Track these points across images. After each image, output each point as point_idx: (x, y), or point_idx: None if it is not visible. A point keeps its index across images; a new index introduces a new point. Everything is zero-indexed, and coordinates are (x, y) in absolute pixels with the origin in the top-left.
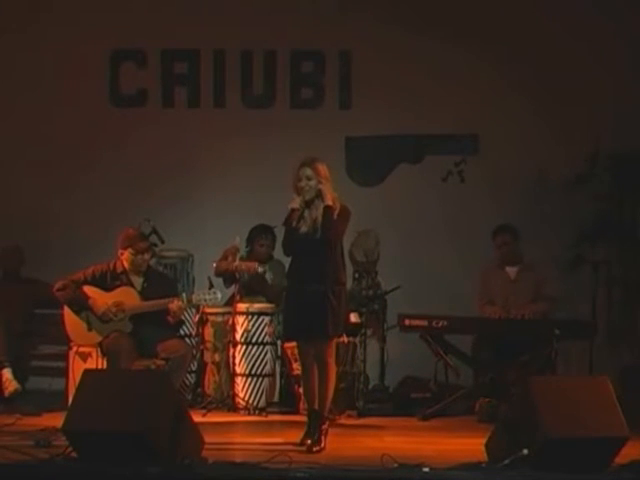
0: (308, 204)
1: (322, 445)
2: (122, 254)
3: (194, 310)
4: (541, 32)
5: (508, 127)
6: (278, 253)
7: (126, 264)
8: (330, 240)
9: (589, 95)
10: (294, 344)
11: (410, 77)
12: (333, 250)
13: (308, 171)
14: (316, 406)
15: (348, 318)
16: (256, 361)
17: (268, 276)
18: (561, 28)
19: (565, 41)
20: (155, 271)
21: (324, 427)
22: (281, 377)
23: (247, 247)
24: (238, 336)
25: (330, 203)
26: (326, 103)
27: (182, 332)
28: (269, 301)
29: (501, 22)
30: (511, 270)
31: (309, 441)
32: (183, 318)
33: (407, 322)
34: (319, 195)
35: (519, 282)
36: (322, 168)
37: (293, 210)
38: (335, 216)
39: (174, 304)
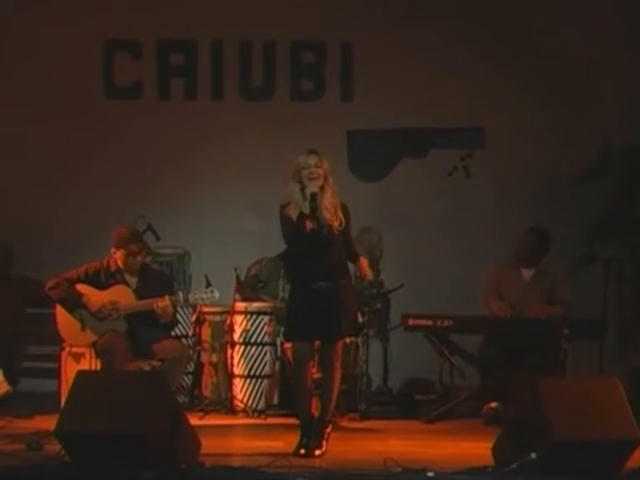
0: (312, 194)
1: (324, 449)
2: (115, 253)
3: (191, 309)
4: (548, 23)
5: (515, 120)
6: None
7: (120, 263)
8: (347, 240)
9: (599, 88)
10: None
11: (413, 69)
12: (340, 244)
13: (316, 159)
14: (312, 411)
15: (357, 316)
16: (255, 362)
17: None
18: (569, 21)
19: (573, 32)
20: (150, 268)
21: (327, 430)
22: (281, 378)
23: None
24: (236, 336)
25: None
26: (327, 95)
27: (178, 332)
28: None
29: (507, 13)
30: (526, 272)
31: (303, 451)
32: (178, 317)
33: (411, 322)
34: (326, 185)
35: (533, 285)
36: (326, 159)
37: (314, 194)
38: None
39: (158, 305)
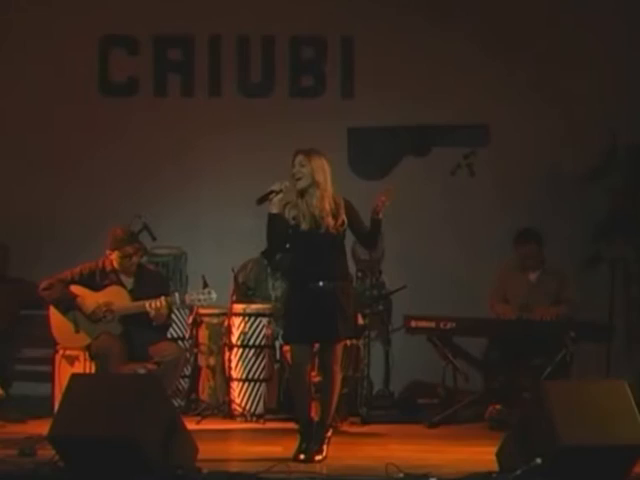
0: (302, 194)
1: (324, 454)
2: (110, 254)
3: (187, 311)
4: (554, 20)
5: (520, 117)
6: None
7: (115, 264)
8: (361, 229)
9: (604, 86)
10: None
11: (416, 64)
12: (341, 245)
13: (301, 158)
14: (312, 415)
15: (357, 318)
16: (253, 365)
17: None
18: (575, 17)
19: (579, 29)
20: (146, 269)
21: (327, 435)
22: (280, 382)
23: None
24: (234, 338)
25: (326, 193)
26: (327, 92)
27: (175, 334)
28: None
29: (511, 10)
30: (532, 274)
31: (302, 456)
32: (175, 319)
33: (413, 324)
34: (314, 185)
35: (539, 286)
36: (318, 158)
37: (272, 192)
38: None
39: (151, 307)
